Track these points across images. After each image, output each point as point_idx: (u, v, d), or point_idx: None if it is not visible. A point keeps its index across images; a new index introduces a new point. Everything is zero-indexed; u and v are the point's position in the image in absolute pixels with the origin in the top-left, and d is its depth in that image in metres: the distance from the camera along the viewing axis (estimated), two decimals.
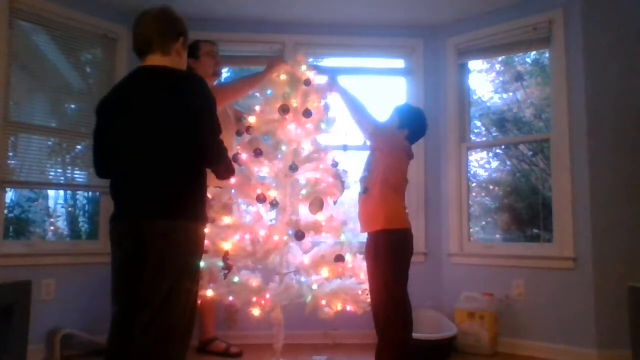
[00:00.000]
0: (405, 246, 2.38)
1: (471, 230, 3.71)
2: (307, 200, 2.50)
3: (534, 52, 3.80)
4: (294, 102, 2.58)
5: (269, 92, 2.69)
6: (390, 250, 2.32)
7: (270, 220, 2.59)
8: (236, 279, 2.45)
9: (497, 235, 4.03)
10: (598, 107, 3.14)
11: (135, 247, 1.78)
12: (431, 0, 3.43)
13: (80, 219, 3.99)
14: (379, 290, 2.32)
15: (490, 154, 4.03)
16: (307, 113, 2.55)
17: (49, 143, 3.34)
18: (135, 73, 1.96)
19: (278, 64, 2.78)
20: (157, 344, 1.77)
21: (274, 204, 2.45)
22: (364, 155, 2.56)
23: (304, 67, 2.70)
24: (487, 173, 4.14)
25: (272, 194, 2.49)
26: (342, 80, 2.76)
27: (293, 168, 2.49)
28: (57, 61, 3.37)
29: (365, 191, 2.43)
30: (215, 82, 3.20)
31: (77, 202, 3.93)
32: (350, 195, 2.69)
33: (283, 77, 2.67)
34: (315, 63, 3.84)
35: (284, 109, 2.52)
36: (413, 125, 2.53)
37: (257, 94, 2.75)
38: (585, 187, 3.11)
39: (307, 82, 2.63)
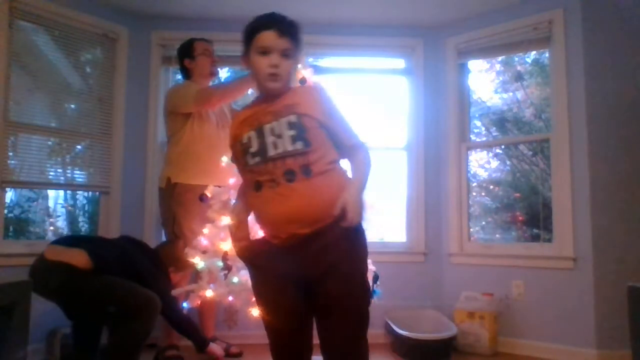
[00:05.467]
0: None
1: (471, 230, 3.71)
2: None
3: (534, 52, 3.80)
4: None
5: None
6: None
7: None
8: (236, 279, 2.44)
9: (497, 235, 4.03)
10: (598, 107, 3.14)
11: None
12: (431, 0, 3.43)
13: (80, 219, 4.00)
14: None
15: (490, 154, 4.03)
16: None
17: (49, 143, 3.34)
18: None
19: None
20: None
21: None
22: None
23: (299, 66, 2.68)
24: (487, 173, 4.14)
25: None
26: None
27: None
28: (57, 61, 3.37)
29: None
30: (213, 82, 3.21)
31: (77, 202, 3.93)
32: None
33: None
34: (314, 63, 3.85)
35: None
36: None
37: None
38: (585, 187, 3.11)
39: (303, 81, 2.62)
